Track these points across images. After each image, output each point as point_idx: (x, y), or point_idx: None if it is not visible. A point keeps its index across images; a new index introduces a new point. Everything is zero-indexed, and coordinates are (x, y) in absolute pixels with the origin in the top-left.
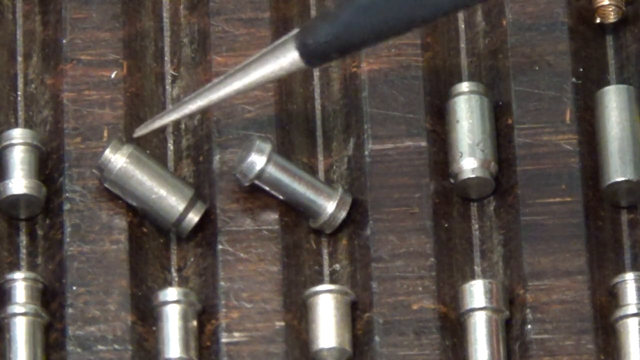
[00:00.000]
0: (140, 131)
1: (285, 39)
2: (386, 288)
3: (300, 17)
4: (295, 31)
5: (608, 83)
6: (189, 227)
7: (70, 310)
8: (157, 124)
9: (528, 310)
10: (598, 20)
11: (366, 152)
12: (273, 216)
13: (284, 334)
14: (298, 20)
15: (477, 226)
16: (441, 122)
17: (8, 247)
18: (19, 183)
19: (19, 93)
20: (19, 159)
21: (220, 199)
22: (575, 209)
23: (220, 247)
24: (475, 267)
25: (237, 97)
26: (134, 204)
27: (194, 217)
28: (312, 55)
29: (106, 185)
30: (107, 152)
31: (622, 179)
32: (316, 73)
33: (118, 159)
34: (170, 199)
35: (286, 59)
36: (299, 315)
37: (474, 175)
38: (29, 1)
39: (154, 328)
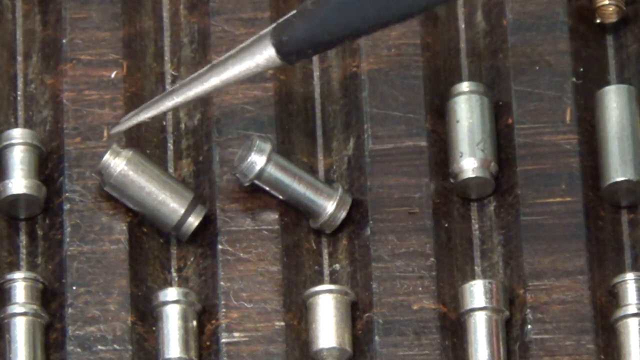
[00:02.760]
0: (118, 128)
1: (260, 35)
2: (386, 288)
3: None
4: (270, 28)
5: (608, 83)
6: (189, 231)
7: (70, 310)
8: (135, 120)
9: (528, 311)
10: (598, 20)
11: (366, 152)
12: (273, 216)
13: (284, 334)
14: None
15: (477, 226)
16: (441, 122)
17: (8, 247)
18: (19, 183)
19: (18, 93)
20: (18, 158)
21: (220, 199)
22: (575, 209)
23: (220, 247)
24: (476, 267)
25: (236, 96)
26: (134, 207)
27: (193, 222)
28: (288, 52)
29: (106, 189)
30: (107, 157)
31: (623, 178)
32: (316, 73)
33: (117, 163)
34: (170, 204)
35: (262, 55)
36: (299, 315)
37: (474, 175)
38: (29, 1)
39: (154, 328)
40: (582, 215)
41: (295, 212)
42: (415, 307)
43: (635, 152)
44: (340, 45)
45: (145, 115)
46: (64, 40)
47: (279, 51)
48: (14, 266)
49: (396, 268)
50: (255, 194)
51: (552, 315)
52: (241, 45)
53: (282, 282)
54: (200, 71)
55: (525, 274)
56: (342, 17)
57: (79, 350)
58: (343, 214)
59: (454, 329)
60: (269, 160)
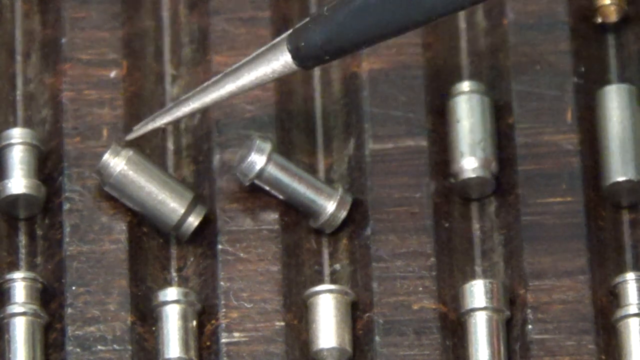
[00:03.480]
0: (133, 135)
1: (277, 42)
2: (386, 288)
3: (300, 16)
4: (286, 34)
5: (609, 82)
6: (189, 231)
7: (69, 310)
8: (150, 126)
9: (529, 310)
10: (599, 20)
11: (366, 152)
12: (273, 216)
13: (284, 334)
14: (298, 20)
15: (477, 226)
16: (442, 122)
17: (7, 247)
18: (18, 183)
19: (18, 92)
20: (18, 158)
21: (220, 199)
22: (576, 209)
23: (220, 247)
24: (476, 267)
25: (236, 96)
26: (134, 207)
27: (193, 221)
28: (304, 58)
29: (105, 189)
30: (106, 156)
31: (623, 178)
32: (316, 73)
33: (117, 162)
34: (170, 203)
35: (279, 62)
36: (299, 315)
37: (474, 175)
38: (28, 0)
39: (154, 328)
40: (582, 215)
41: (296, 212)
42: (415, 307)
43: (636, 152)
44: (356, 51)
45: (161, 121)
46: (63, 40)
47: (295, 57)
48: (14, 266)
49: (396, 268)
50: (255, 194)
51: (552, 315)
52: (257, 52)
53: (282, 282)
54: (216, 77)
55: (526, 273)
56: (358, 23)
57: (78, 350)
58: (343, 214)
59: (454, 329)
60: (269, 160)
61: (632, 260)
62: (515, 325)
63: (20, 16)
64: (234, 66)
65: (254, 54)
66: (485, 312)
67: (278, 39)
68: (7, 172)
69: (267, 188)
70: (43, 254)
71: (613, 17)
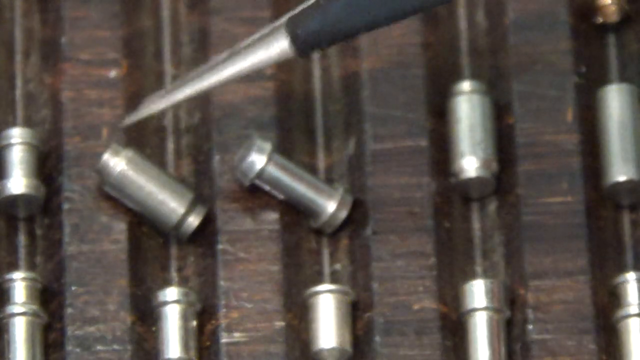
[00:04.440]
0: (129, 121)
1: (274, 28)
2: (387, 288)
3: None
4: (283, 20)
5: (610, 82)
6: (189, 231)
7: (69, 310)
8: (145, 112)
9: (529, 310)
10: (600, 20)
11: (367, 152)
12: (273, 216)
13: (284, 334)
14: None
15: (478, 226)
16: (442, 122)
17: (7, 247)
18: (18, 182)
19: (17, 92)
20: (17, 158)
21: (220, 199)
22: (576, 209)
23: (220, 247)
24: (476, 267)
25: (236, 96)
26: (134, 207)
27: (193, 222)
28: (302, 45)
29: (105, 188)
30: (106, 156)
31: (625, 178)
32: (317, 72)
33: (117, 162)
34: (170, 203)
35: (275, 48)
36: (299, 315)
37: (475, 175)
38: None
39: (154, 328)
40: (583, 215)
41: (296, 212)
42: (416, 307)
43: (637, 152)
44: (354, 37)
45: (157, 107)
46: (63, 39)
47: (293, 44)
48: (13, 266)
49: (397, 268)
50: (255, 194)
51: (553, 316)
52: (253, 37)
53: (282, 282)
54: (211, 62)
55: (527, 273)
56: (356, 9)
57: (78, 350)
58: (344, 214)
59: (454, 329)
60: (269, 159)
61: (632, 261)
62: (515, 326)
63: (19, 15)
64: (230, 51)
65: (249, 39)
66: (486, 312)
67: (275, 24)
68: (6, 172)
69: (267, 188)
70: (43, 254)
71: (614, 17)
